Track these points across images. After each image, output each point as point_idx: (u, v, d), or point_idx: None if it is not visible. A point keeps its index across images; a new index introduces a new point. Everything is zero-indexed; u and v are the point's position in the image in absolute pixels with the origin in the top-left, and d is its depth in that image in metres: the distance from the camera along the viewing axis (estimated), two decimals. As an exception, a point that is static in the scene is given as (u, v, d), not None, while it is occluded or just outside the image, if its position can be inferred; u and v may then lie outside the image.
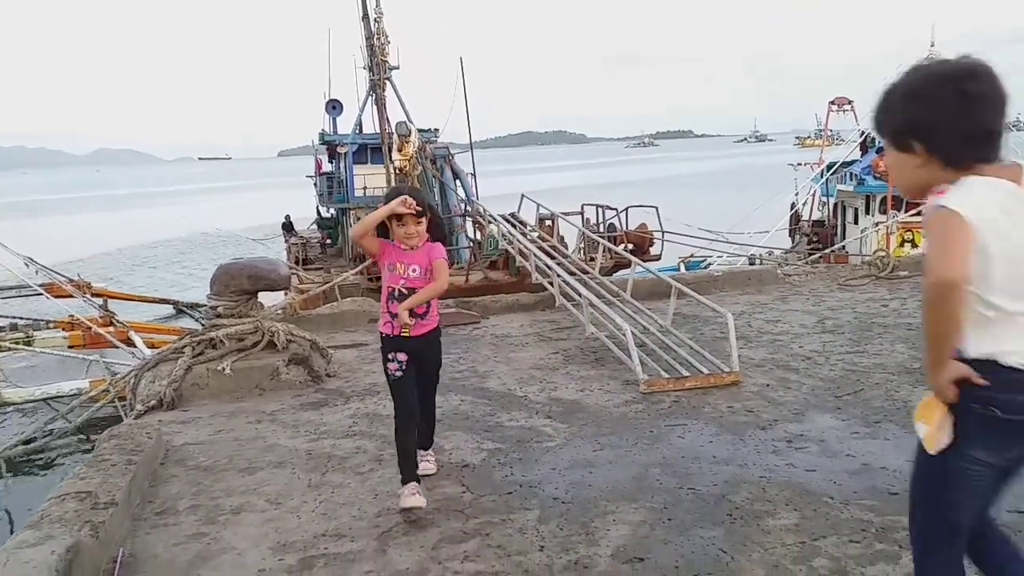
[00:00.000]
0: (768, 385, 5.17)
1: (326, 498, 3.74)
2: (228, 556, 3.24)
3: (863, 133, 27.54)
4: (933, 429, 2.02)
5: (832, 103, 39.36)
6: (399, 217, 3.68)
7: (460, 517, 3.47)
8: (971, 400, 1.95)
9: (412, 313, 3.70)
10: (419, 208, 3.67)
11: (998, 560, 2.25)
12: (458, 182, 23.14)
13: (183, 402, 5.35)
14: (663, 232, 17.96)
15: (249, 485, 3.95)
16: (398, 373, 3.75)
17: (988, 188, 1.91)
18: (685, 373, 5.35)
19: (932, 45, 22.42)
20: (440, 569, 3.05)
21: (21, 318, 15.04)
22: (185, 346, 5.69)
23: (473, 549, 3.19)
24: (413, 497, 3.54)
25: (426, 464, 3.97)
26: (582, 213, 18.48)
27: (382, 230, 3.79)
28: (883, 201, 21.18)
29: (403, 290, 3.72)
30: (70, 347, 14.17)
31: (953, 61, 2.02)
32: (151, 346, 13.41)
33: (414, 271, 3.73)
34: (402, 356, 3.75)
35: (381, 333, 3.80)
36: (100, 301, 15.89)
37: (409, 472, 3.64)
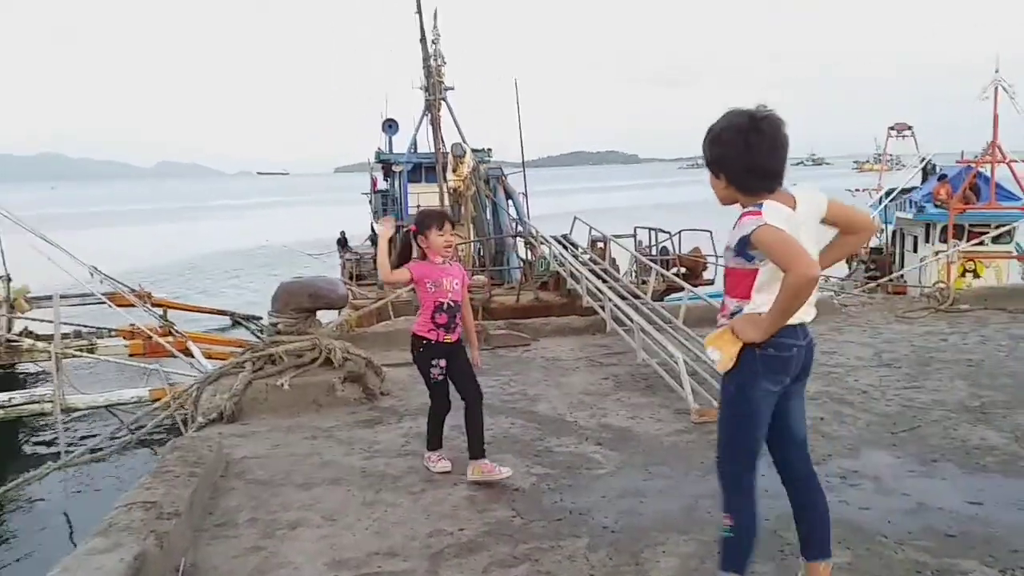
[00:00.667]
0: (822, 419, 5.12)
1: (380, 516, 3.82)
2: (285, 570, 3.33)
3: (924, 159, 27.02)
4: (727, 358, 2.70)
5: (892, 128, 38.72)
6: (440, 227, 4.21)
7: (510, 542, 3.52)
8: (765, 345, 2.64)
9: (453, 324, 4.28)
10: (453, 223, 4.35)
11: (795, 475, 2.97)
12: (510, 202, 23.30)
13: (242, 416, 5.50)
14: (716, 256, 17.84)
15: (305, 501, 4.05)
16: (440, 377, 4.29)
17: (777, 209, 2.61)
18: (737, 403, 5.32)
19: (997, 71, 21.91)
20: (490, 593, 3.10)
21: (85, 326, 15.55)
22: (246, 361, 5.85)
23: (523, 574, 3.23)
24: (442, 462, 4.37)
25: (503, 468, 4.21)
26: (635, 236, 18.45)
27: (405, 258, 4.34)
28: (943, 230, 20.70)
29: (451, 303, 4.24)
30: (130, 355, 14.58)
31: (747, 112, 2.69)
32: (208, 356, 13.75)
33: (457, 284, 4.29)
34: (443, 362, 4.27)
35: (422, 339, 4.26)
36: (160, 311, 16.34)
37: (437, 440, 4.44)
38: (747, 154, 2.68)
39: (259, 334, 18.73)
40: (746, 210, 2.70)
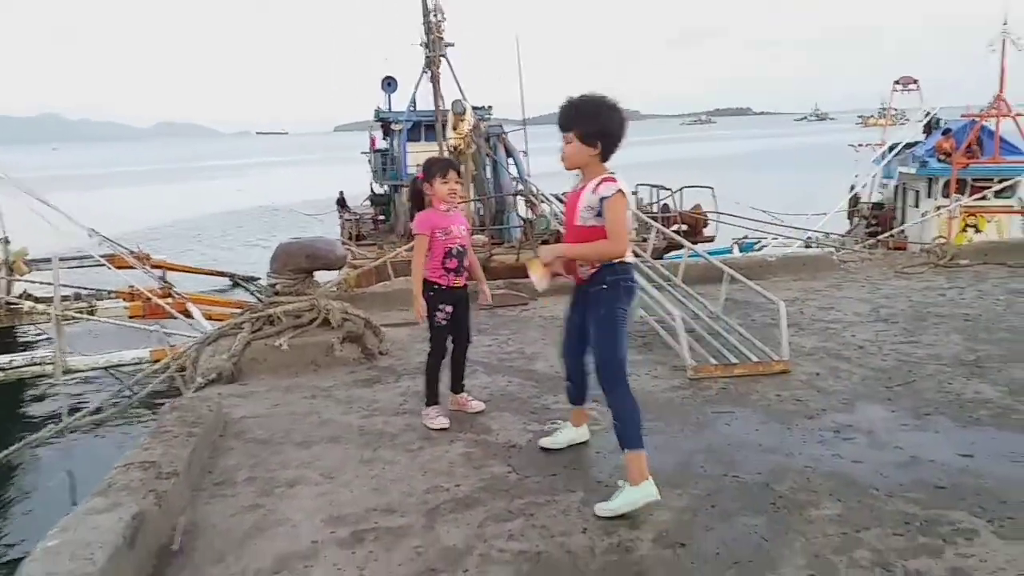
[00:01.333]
0: (818, 374, 5.15)
1: (377, 474, 3.87)
2: (283, 528, 3.37)
3: (928, 114, 26.77)
4: (541, 277, 3.53)
5: (897, 82, 38.25)
6: (443, 175, 4.35)
7: (506, 497, 3.56)
8: (628, 279, 3.50)
9: (462, 268, 4.47)
10: (458, 171, 4.46)
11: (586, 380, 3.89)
12: (511, 160, 23.16)
13: (242, 376, 5.53)
14: (718, 213, 17.77)
15: (304, 459, 4.09)
16: (444, 322, 4.45)
17: (622, 180, 3.39)
18: (734, 360, 5.35)
19: (1005, 23, 21.59)
20: (485, 547, 3.14)
21: (84, 288, 15.59)
22: (244, 322, 5.87)
23: (518, 528, 3.27)
24: (440, 419, 4.43)
25: (476, 403, 4.68)
26: (635, 193, 18.35)
27: (418, 205, 4.48)
28: (946, 184, 20.58)
29: (459, 247, 4.42)
30: (130, 317, 14.66)
31: (609, 96, 3.39)
32: (208, 318, 13.82)
33: (464, 229, 4.47)
34: (449, 308, 4.43)
35: (433, 283, 4.40)
36: (159, 273, 16.38)
37: (434, 396, 4.53)
38: (620, 129, 3.43)
39: (259, 295, 18.77)
40: (605, 176, 3.40)
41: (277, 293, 5.89)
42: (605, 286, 3.47)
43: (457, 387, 4.70)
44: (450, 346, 4.58)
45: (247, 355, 5.60)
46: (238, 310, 9.57)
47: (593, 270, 3.50)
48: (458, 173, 4.46)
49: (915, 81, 37.38)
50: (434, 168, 4.42)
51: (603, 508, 3.36)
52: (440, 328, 4.48)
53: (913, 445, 3.96)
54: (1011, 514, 3.21)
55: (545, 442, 4.11)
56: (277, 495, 3.69)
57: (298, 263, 5.87)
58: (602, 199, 3.34)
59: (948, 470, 3.65)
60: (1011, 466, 3.67)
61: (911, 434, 4.10)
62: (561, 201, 14.57)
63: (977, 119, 21.38)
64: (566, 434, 4.12)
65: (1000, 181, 18.63)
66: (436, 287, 4.42)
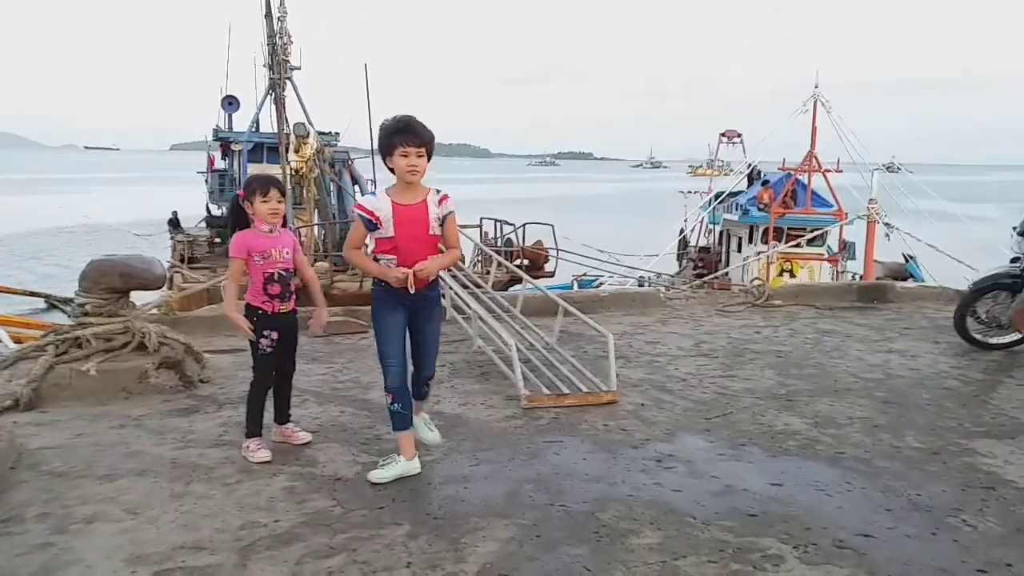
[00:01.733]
0: (643, 405, 5.31)
1: (188, 509, 3.61)
2: (76, 568, 3.07)
3: (750, 165, 28.80)
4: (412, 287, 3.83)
5: (723, 135, 41.01)
6: (264, 193, 4.10)
7: (328, 532, 3.41)
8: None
9: (287, 293, 4.24)
10: (281, 189, 4.21)
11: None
12: (357, 187, 22.87)
13: (42, 403, 5.05)
14: (558, 250, 18.24)
15: (106, 493, 3.76)
16: (269, 349, 4.23)
17: None
18: (566, 390, 5.43)
19: (816, 87, 23.65)
20: (302, 585, 2.98)
21: None
22: (48, 344, 5.38)
23: (338, 565, 3.13)
24: (261, 451, 4.20)
25: (302, 434, 4.48)
26: (480, 227, 18.55)
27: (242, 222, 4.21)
28: (765, 231, 22.16)
29: (281, 272, 4.18)
30: (-76, 339, 13.19)
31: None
32: (17, 341, 12.63)
33: (287, 253, 4.21)
34: (275, 335, 4.22)
35: (256, 308, 4.18)
36: (-39, 291, 14.88)
37: (257, 427, 4.28)
38: None
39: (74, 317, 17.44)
40: (440, 192, 3.92)
41: (86, 314, 5.43)
42: (439, 290, 4.12)
43: (282, 417, 4.48)
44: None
45: (49, 380, 5.13)
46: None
47: (433, 277, 3.96)
48: (281, 192, 4.18)
49: (739, 134, 40.22)
50: (254, 185, 4.16)
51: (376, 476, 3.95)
52: (265, 356, 4.24)
53: (728, 474, 4.13)
54: (815, 540, 3.39)
55: (375, 476, 3.98)
56: (72, 532, 3.36)
57: (111, 281, 5.44)
58: (448, 213, 3.91)
59: (759, 498, 3.82)
60: (816, 494, 3.90)
61: (727, 464, 4.29)
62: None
63: (792, 172, 23.22)
64: (399, 467, 4.03)
65: (812, 231, 20.25)
66: (260, 312, 4.18)
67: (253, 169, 24.07)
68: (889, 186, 22.86)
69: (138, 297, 5.98)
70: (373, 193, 4.02)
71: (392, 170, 3.88)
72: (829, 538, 3.41)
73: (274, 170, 20.67)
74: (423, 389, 4.32)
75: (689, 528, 3.49)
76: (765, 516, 3.63)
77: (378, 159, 4.05)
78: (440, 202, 3.89)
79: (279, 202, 4.16)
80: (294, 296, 4.29)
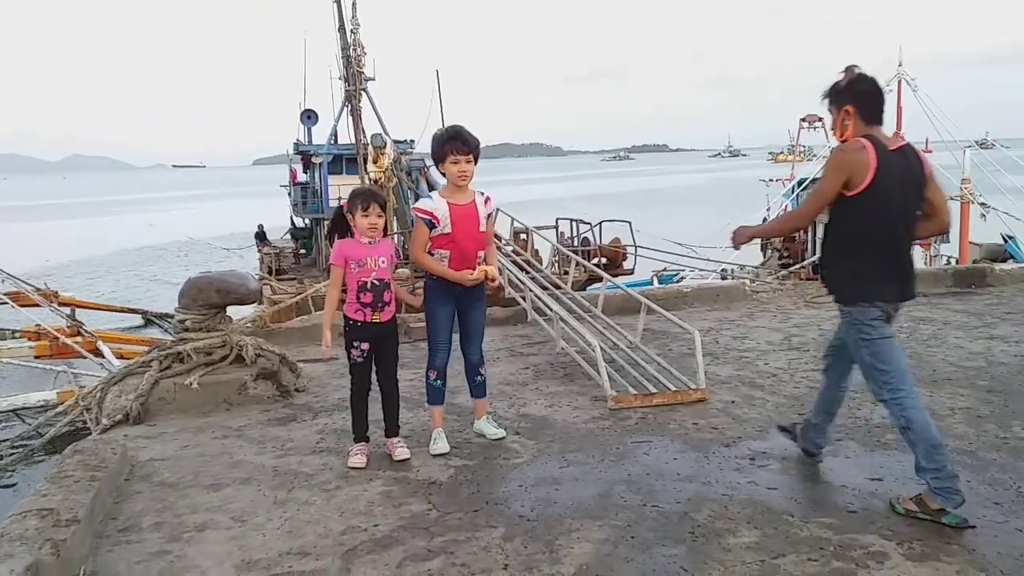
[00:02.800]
0: (733, 402, 5.24)
1: (291, 515, 3.74)
2: (191, 574, 3.22)
3: (833, 150, 27.97)
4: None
5: (803, 120, 39.94)
6: (365, 208, 4.23)
7: (425, 535, 3.48)
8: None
9: (381, 303, 4.31)
10: (382, 204, 4.36)
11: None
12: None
13: (149, 417, 5.31)
14: (636, 246, 18.10)
15: (214, 502, 3.93)
16: (360, 359, 4.36)
17: None
18: (653, 390, 5.41)
19: (900, 64, 22.83)
20: (404, 588, 3.06)
21: (-15, 328, 14.83)
22: (152, 360, 5.65)
23: (437, 568, 3.20)
24: (356, 457, 4.30)
25: (401, 450, 4.41)
26: (556, 227, 18.55)
27: (341, 230, 4.38)
28: (852, 217, 21.46)
29: (375, 281, 4.27)
30: (36, 357, 13.99)
31: None
32: (120, 356, 13.28)
33: (383, 262, 4.31)
34: (365, 345, 4.34)
35: (348, 318, 4.33)
36: (68, 311, 15.69)
37: (358, 432, 4.41)
38: None
39: (172, 332, 18.18)
40: (488, 195, 4.43)
41: (187, 329, 5.68)
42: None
43: (387, 430, 4.53)
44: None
45: (155, 394, 5.39)
46: (149, 348, 9.24)
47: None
48: (381, 207, 4.35)
49: (820, 119, 39.08)
50: (357, 200, 4.33)
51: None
52: (357, 365, 4.38)
53: (825, 470, 4.05)
54: (919, 536, 3.30)
55: (435, 450, 4.44)
56: (185, 540, 3.53)
57: (208, 297, 5.68)
58: (492, 212, 4.50)
59: (859, 494, 3.74)
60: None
61: (823, 459, 4.20)
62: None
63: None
64: (443, 435, 4.55)
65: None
66: (351, 323, 4.34)
67: (334, 181, 24.66)
68: (983, 164, 21.92)
69: (233, 311, 6.22)
70: (429, 196, 4.45)
71: (444, 174, 4.42)
72: (935, 534, 3.31)
73: (353, 181, 21.14)
74: (476, 379, 4.66)
75: (787, 526, 3.44)
76: (866, 512, 3.54)
77: None
78: (486, 202, 4.45)
79: (379, 216, 4.30)
80: (389, 307, 4.37)
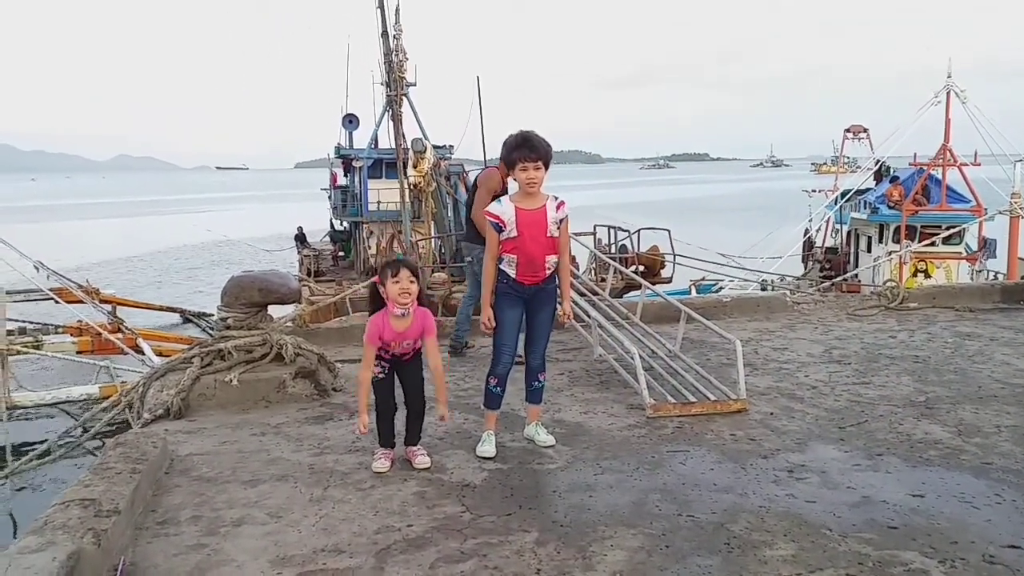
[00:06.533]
0: (772, 414, 5.17)
1: (326, 513, 3.77)
2: (227, 568, 3.26)
3: (878, 161, 27.54)
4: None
5: (848, 131, 39.37)
6: (394, 274, 4.14)
7: (458, 537, 3.49)
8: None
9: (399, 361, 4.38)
10: (413, 271, 4.21)
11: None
12: (471, 199, 23.19)
13: (190, 412, 5.39)
14: (675, 255, 17.97)
15: (251, 498, 3.97)
16: (381, 375, 4.35)
17: None
18: (692, 399, 5.36)
19: (949, 76, 22.41)
20: (436, 589, 3.07)
21: (30, 322, 15.18)
22: (194, 356, 5.74)
23: (470, 570, 3.20)
24: (379, 461, 4.31)
25: (421, 459, 4.38)
26: (594, 234, 18.50)
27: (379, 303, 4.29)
28: (896, 230, 21.12)
29: (394, 355, 4.33)
30: (79, 352, 14.30)
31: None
32: (159, 353, 13.53)
33: (407, 344, 4.30)
34: (386, 364, 4.35)
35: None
36: (109, 307, 16.03)
37: (383, 438, 4.39)
38: None
39: (210, 331, 18.46)
40: (561, 200, 4.41)
41: (228, 327, 5.76)
42: (555, 283, 4.55)
43: (408, 439, 4.49)
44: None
45: (196, 390, 5.47)
46: (188, 346, 9.40)
47: (549, 272, 4.46)
48: (412, 272, 4.20)
49: (865, 130, 38.52)
50: (384, 270, 4.24)
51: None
52: (378, 383, 4.35)
53: (865, 485, 3.97)
54: (962, 555, 3.22)
55: (483, 452, 4.46)
56: (222, 534, 3.57)
57: (250, 296, 5.76)
58: (564, 217, 4.42)
59: (900, 510, 3.66)
60: (961, 506, 3.70)
61: (863, 474, 4.12)
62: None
63: (924, 168, 22.05)
64: (493, 437, 4.56)
65: (948, 228, 19.18)
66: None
67: (373, 185, 24.88)
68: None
69: (274, 310, 6.29)
70: (499, 201, 4.46)
71: (515, 180, 4.46)
72: (978, 552, 3.23)
73: (393, 185, 21.30)
74: (534, 384, 4.65)
75: (825, 540, 3.38)
76: (907, 528, 3.47)
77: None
78: (558, 208, 4.39)
79: (411, 281, 4.15)
80: (407, 357, 4.39)
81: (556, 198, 4.42)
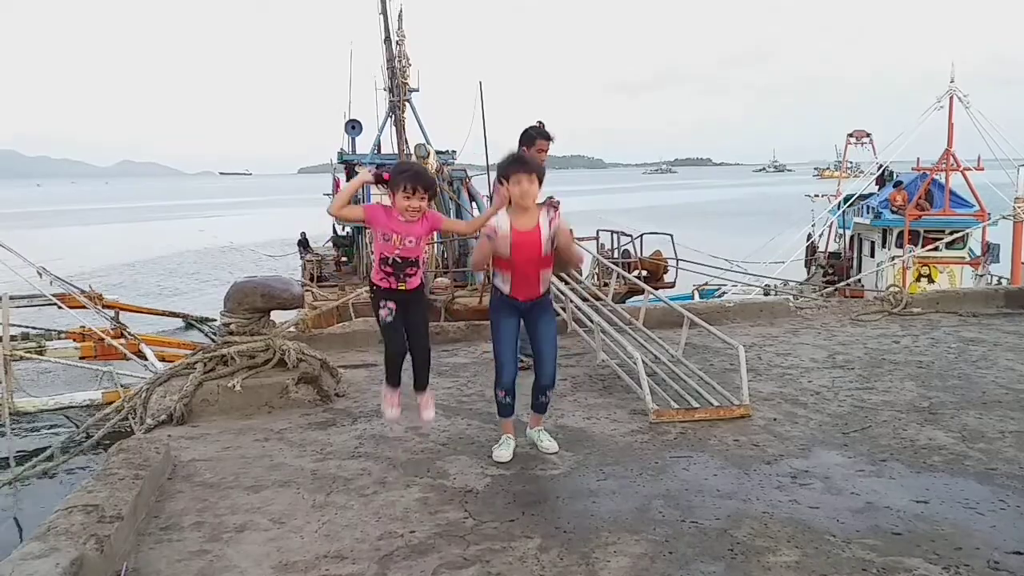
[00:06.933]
0: (775, 419, 5.16)
1: (329, 519, 3.77)
2: (230, 574, 3.26)
3: (881, 166, 27.52)
4: None
5: (851, 135, 39.34)
6: (408, 191, 4.13)
7: (461, 543, 3.48)
8: None
9: (402, 275, 4.32)
10: (428, 189, 4.21)
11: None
12: (474, 204, 23.25)
13: (193, 418, 5.39)
14: (677, 260, 17.95)
15: (253, 503, 3.97)
16: (388, 318, 4.34)
17: None
18: (695, 404, 5.35)
19: (952, 80, 22.39)
20: (439, 595, 3.06)
21: (33, 327, 15.18)
22: (197, 362, 5.74)
23: (472, 576, 3.20)
24: (392, 410, 4.51)
25: (428, 412, 4.60)
26: (597, 239, 18.50)
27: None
28: (900, 235, 21.08)
29: (397, 259, 4.26)
30: (81, 358, 14.29)
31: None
32: (162, 359, 13.54)
33: (410, 242, 4.25)
34: (392, 304, 4.32)
35: (373, 284, 4.38)
36: (112, 313, 16.02)
37: (394, 376, 4.48)
38: None
39: (213, 336, 18.47)
40: (554, 203, 4.49)
41: (231, 333, 5.77)
42: (550, 295, 4.62)
43: (417, 384, 4.64)
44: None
45: (199, 396, 5.47)
46: (191, 351, 9.41)
47: (544, 288, 4.47)
48: (426, 191, 4.19)
49: (868, 135, 38.49)
50: (399, 178, 4.14)
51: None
52: (387, 324, 4.37)
53: (869, 491, 3.96)
54: (966, 561, 3.22)
55: (499, 456, 4.48)
56: (224, 540, 3.57)
57: (253, 302, 5.76)
58: (559, 223, 4.34)
59: (904, 516, 3.65)
60: (965, 512, 3.69)
61: (867, 480, 4.11)
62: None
63: (928, 172, 22.03)
64: (511, 441, 4.59)
65: (951, 233, 19.15)
66: (376, 288, 4.37)
67: (376, 190, 24.87)
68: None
69: (276, 316, 6.30)
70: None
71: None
72: (983, 558, 3.23)
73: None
74: (541, 399, 4.59)
75: (829, 546, 3.37)
76: (911, 534, 3.46)
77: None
78: (551, 223, 4.34)
79: (421, 200, 4.16)
80: (413, 279, 4.36)
81: (549, 209, 4.39)
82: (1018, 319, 8.40)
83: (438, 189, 20.57)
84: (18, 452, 11.41)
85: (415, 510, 3.85)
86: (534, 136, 6.06)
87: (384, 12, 20.39)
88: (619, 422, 5.20)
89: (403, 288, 4.35)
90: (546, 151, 6.06)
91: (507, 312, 4.46)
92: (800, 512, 3.72)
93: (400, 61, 21.61)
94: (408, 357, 4.55)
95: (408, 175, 4.19)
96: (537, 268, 4.37)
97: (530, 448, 4.70)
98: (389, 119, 22.83)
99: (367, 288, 4.78)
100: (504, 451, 4.52)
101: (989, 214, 20.14)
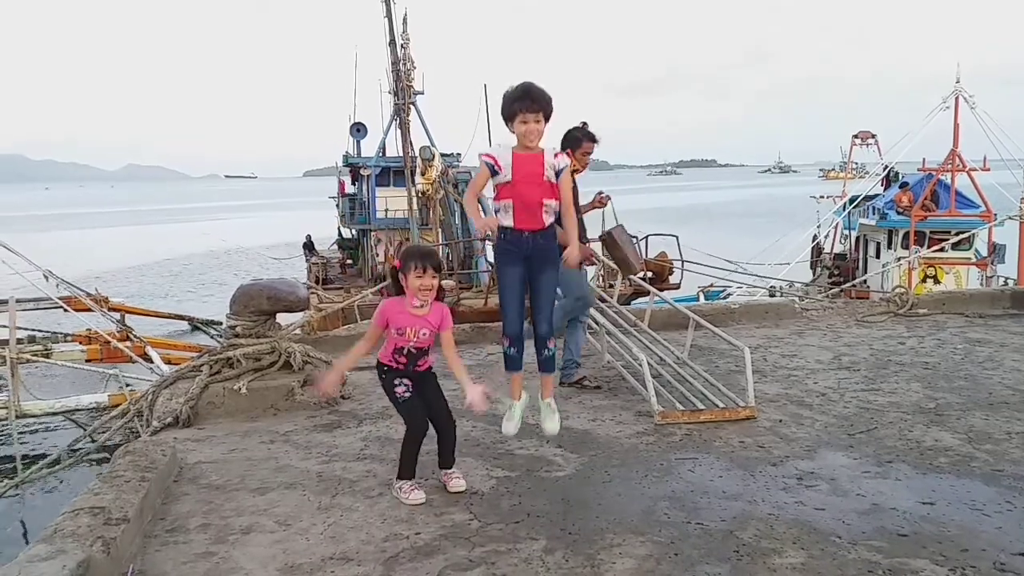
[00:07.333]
0: (781, 421, 5.16)
1: (335, 521, 3.77)
2: (236, 576, 3.27)
3: (887, 167, 27.48)
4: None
5: (856, 136, 39.27)
6: (420, 270, 3.94)
7: (466, 545, 3.48)
8: None
9: (416, 363, 4.10)
10: (437, 267, 4.01)
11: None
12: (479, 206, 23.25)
13: (199, 420, 5.40)
14: (683, 261, 17.96)
15: (259, 505, 3.98)
16: (406, 394, 4.09)
17: None
18: (700, 406, 5.34)
19: (958, 81, 22.36)
20: (444, 597, 3.06)
21: (40, 330, 15.25)
22: (203, 364, 5.75)
23: (478, 578, 3.20)
24: (415, 493, 4.00)
25: (456, 481, 4.16)
26: (601, 240, 18.47)
27: (396, 288, 4.10)
28: (905, 236, 21.04)
29: (412, 349, 4.07)
30: (88, 361, 14.35)
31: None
32: (167, 361, 13.58)
33: (425, 332, 4.05)
34: (408, 381, 4.10)
35: (385, 365, 4.13)
36: (118, 316, 16.08)
37: (409, 471, 4.08)
38: None
39: (218, 338, 18.52)
40: (557, 150, 4.24)
41: (237, 335, 5.78)
42: (555, 242, 4.28)
43: (443, 462, 4.22)
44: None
45: (205, 398, 5.48)
46: (197, 354, 9.43)
47: (548, 219, 4.20)
48: (436, 269, 4.00)
49: (873, 136, 38.41)
50: (410, 260, 4.01)
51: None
52: (406, 401, 4.08)
53: (875, 492, 3.96)
54: (973, 562, 3.21)
55: (508, 430, 4.42)
56: (231, 542, 3.57)
57: (259, 305, 5.78)
58: (564, 167, 4.19)
59: (910, 518, 3.65)
60: (972, 513, 3.69)
61: (873, 481, 4.11)
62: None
63: (933, 173, 21.99)
64: (517, 411, 4.45)
65: (957, 234, 19.10)
66: (387, 368, 4.12)
67: (381, 193, 24.94)
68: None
69: (282, 318, 6.31)
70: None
71: (514, 133, 4.17)
72: (989, 560, 3.22)
73: (401, 193, 21.35)
74: (544, 352, 4.45)
75: (834, 548, 3.36)
76: (917, 536, 3.46)
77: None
78: (556, 155, 4.19)
79: (433, 278, 3.98)
80: (426, 364, 4.17)
81: (555, 149, 4.23)
82: (1025, 320, 8.37)
83: (444, 193, 20.62)
84: (25, 455, 11.46)
85: (420, 512, 3.85)
86: (580, 138, 5.87)
87: (389, 15, 20.45)
88: (624, 424, 5.20)
89: (415, 370, 4.13)
90: (591, 153, 5.96)
91: (511, 259, 4.23)
92: (806, 514, 3.71)
93: (405, 64, 21.65)
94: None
95: (416, 254, 4.07)
96: (539, 194, 4.12)
97: (535, 450, 4.70)
98: (394, 122, 22.90)
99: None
100: (510, 426, 4.39)
101: (995, 215, 20.10)
